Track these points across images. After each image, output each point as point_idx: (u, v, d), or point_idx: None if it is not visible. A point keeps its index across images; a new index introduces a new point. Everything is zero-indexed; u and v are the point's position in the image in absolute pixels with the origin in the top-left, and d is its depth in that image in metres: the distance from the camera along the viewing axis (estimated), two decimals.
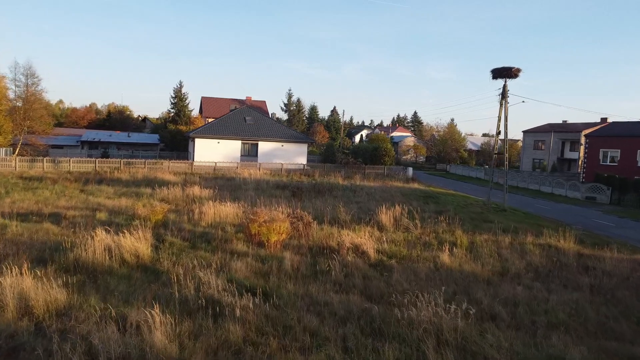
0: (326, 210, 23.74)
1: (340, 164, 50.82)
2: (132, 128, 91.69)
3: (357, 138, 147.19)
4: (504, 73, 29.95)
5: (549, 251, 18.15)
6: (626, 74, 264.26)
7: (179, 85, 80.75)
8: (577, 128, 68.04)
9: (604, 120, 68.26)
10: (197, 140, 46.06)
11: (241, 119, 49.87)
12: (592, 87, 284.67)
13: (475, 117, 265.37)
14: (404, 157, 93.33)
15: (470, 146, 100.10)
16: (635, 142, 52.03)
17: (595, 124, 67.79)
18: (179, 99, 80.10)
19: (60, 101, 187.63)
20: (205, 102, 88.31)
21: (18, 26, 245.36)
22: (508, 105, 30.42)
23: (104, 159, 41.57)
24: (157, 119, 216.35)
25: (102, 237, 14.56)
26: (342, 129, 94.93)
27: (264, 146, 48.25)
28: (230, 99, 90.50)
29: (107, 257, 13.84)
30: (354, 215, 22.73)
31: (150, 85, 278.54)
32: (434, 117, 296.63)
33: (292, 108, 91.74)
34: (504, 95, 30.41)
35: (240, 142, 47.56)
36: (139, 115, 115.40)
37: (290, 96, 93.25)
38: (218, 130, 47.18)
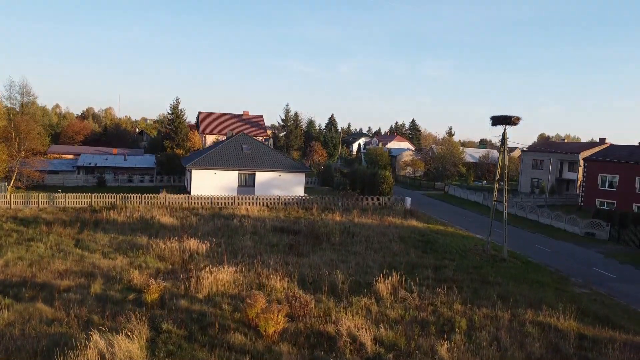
0: (324, 273, 23.46)
1: (338, 194, 50.50)
2: (128, 142, 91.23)
3: (355, 147, 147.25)
4: (504, 121, 29.75)
5: (548, 333, 17.90)
6: (623, 73, 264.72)
7: (175, 102, 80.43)
8: (575, 149, 67.93)
9: (602, 140, 68.28)
10: (193, 172, 45.72)
11: (238, 148, 49.52)
12: (588, 85, 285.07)
13: (473, 122, 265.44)
14: (402, 172, 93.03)
15: (468, 158, 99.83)
16: (634, 169, 52.04)
17: (593, 145, 67.78)
18: (175, 115, 79.78)
19: (57, 106, 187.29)
20: (202, 117, 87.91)
21: (13, 29, 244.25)
22: (507, 153, 30.17)
23: (100, 194, 41.10)
24: (154, 121, 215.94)
25: (95, 341, 14.27)
26: (340, 143, 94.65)
27: (261, 176, 47.93)
28: (227, 114, 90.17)
29: None
30: (351, 281, 22.42)
31: (147, 85, 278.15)
32: (431, 123, 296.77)
33: (289, 123, 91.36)
34: (503, 142, 30.20)
35: (237, 172, 47.23)
36: (136, 126, 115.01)
37: (287, 111, 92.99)
38: (214, 161, 46.84)
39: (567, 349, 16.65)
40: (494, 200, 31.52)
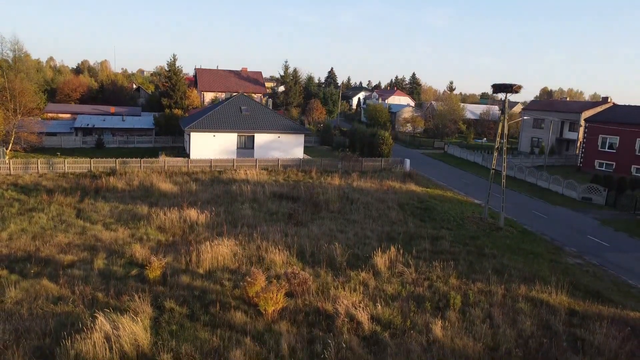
0: (323, 245, 23.82)
1: (337, 155, 50.51)
2: (126, 99, 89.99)
3: (355, 101, 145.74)
4: (505, 89, 29.34)
5: (540, 310, 18.46)
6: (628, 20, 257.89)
7: (172, 59, 78.68)
8: (577, 108, 67.20)
9: (604, 99, 67.47)
10: (192, 135, 45.45)
11: (237, 109, 48.99)
12: (592, 35, 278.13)
13: (474, 74, 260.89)
14: (402, 128, 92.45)
15: (468, 115, 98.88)
16: (635, 131, 51.83)
17: (595, 104, 67.06)
18: (173, 72, 78.26)
19: (51, 59, 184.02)
20: (200, 74, 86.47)
21: None
22: (507, 122, 29.93)
23: (99, 159, 41.05)
24: (151, 74, 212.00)
25: (101, 323, 14.75)
26: (339, 100, 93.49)
27: (260, 138, 47.71)
28: (225, 71, 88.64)
29: (108, 350, 14.06)
30: (350, 255, 22.84)
31: (143, 36, 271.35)
32: (432, 76, 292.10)
33: (288, 80, 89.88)
34: (504, 111, 29.90)
35: (236, 134, 46.98)
36: (133, 82, 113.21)
37: (286, 67, 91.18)
38: (213, 123, 46.44)
39: (557, 326, 17.23)
40: (492, 169, 31.59)
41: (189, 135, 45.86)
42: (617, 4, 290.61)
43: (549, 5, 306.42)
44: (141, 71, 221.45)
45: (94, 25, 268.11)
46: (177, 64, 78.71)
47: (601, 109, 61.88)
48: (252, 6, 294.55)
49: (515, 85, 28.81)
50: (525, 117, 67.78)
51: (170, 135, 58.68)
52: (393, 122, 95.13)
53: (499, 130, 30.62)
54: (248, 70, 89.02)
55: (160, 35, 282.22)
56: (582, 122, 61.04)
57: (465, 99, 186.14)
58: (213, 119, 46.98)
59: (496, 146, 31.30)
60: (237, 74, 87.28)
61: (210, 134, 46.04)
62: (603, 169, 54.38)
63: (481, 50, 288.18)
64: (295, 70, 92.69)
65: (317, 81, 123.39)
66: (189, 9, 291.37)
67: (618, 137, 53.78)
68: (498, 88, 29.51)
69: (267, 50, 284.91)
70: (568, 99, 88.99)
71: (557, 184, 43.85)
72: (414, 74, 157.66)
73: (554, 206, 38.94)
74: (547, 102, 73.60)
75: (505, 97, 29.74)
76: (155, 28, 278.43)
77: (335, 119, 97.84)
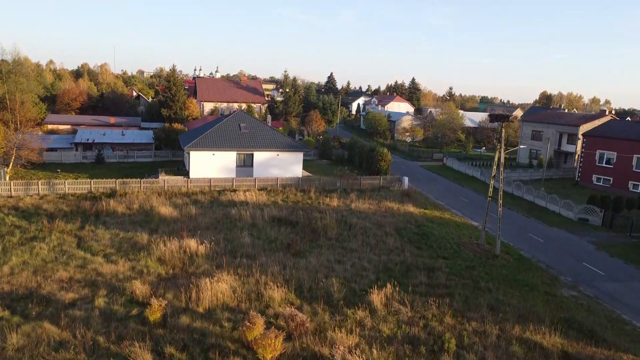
0: (320, 278, 24.17)
1: (336, 172, 50.76)
2: (126, 108, 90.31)
3: (354, 106, 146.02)
4: (501, 118, 29.69)
5: (533, 354, 18.74)
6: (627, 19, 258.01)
7: (172, 69, 79.31)
8: (575, 121, 67.52)
9: (602, 112, 67.83)
10: (192, 154, 45.75)
11: (236, 127, 49.27)
12: (593, 36, 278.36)
13: (474, 77, 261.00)
14: (401, 137, 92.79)
15: (468, 123, 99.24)
16: (632, 146, 52.24)
17: (594, 117, 67.41)
18: (172, 83, 78.70)
19: (51, 62, 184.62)
20: (200, 83, 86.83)
21: None
22: (505, 151, 30.25)
23: (99, 180, 41.36)
24: (151, 76, 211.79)
25: None
26: (339, 109, 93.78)
27: (259, 156, 48.01)
28: (224, 80, 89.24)
29: None
30: (347, 290, 23.15)
31: (142, 35, 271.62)
32: (432, 79, 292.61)
33: (287, 89, 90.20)
34: (501, 140, 30.21)
35: (235, 153, 47.28)
36: (133, 89, 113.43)
37: (286, 77, 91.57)
38: (213, 141, 46.73)
39: None
40: (489, 196, 31.92)
41: (189, 154, 46.16)
42: (617, 4, 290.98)
43: (550, 6, 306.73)
44: (141, 72, 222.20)
45: (94, 25, 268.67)
46: (177, 66, 79.70)
47: (599, 123, 62.22)
48: (252, 6, 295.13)
49: (511, 115, 29.21)
50: (522, 146, 68.44)
51: (170, 149, 58.99)
52: (392, 130, 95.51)
53: (495, 160, 30.93)
54: (247, 74, 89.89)
55: (160, 34, 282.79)
56: (580, 136, 61.37)
57: (465, 102, 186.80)
58: (212, 137, 47.27)
59: (492, 174, 31.61)
60: (237, 84, 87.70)
61: (210, 153, 46.35)
62: (601, 183, 54.80)
63: (481, 51, 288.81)
64: (294, 79, 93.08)
65: (317, 84, 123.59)
66: (189, 9, 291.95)
67: (615, 153, 54.13)
68: (495, 117, 29.92)
69: (267, 50, 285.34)
70: (566, 109, 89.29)
71: (555, 203, 44.16)
72: (413, 79, 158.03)
73: (550, 227, 39.23)
74: (545, 114, 73.80)
75: (502, 127, 30.04)
76: (156, 28, 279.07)
77: (335, 128, 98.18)
